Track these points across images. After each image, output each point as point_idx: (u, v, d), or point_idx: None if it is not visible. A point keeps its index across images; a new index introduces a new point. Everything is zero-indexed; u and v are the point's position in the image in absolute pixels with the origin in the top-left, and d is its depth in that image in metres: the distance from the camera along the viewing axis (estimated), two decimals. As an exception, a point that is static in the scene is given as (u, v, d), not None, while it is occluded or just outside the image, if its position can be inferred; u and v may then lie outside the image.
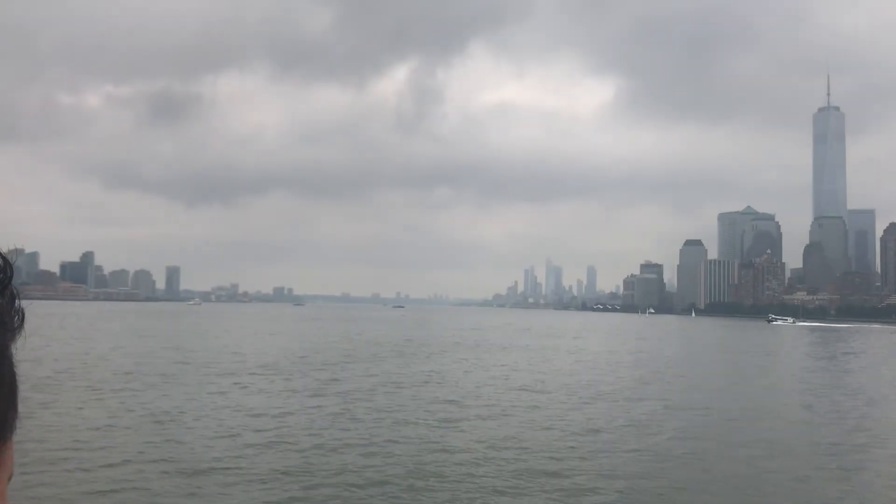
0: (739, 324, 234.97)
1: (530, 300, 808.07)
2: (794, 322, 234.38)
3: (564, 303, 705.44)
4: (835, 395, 40.80)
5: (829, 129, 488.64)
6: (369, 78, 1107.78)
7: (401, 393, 36.35)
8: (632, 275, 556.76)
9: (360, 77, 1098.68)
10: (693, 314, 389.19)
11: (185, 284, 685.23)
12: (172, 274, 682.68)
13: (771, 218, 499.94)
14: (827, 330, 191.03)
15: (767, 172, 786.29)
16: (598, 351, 72.60)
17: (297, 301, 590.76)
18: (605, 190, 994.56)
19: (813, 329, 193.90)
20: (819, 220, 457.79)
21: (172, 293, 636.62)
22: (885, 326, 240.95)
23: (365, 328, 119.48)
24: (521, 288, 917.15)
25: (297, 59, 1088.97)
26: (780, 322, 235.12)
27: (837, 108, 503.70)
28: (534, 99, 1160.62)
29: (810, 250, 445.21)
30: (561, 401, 34.74)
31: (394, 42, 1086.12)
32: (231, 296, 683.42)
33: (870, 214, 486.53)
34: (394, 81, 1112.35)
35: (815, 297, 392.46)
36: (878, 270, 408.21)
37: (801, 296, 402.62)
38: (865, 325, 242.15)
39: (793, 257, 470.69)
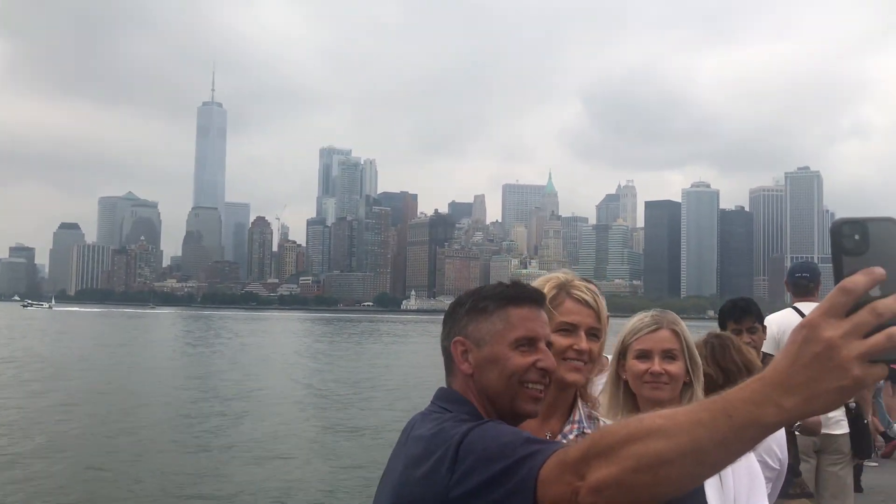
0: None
1: None
2: (50, 307, 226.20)
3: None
4: None
5: (212, 124, 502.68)
6: None
7: None
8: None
9: None
10: (53, 301, 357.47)
11: None
12: None
13: (153, 205, 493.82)
14: (132, 316, 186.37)
15: (154, 159, 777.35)
16: None
17: None
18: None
19: (173, 315, 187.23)
20: (196, 210, 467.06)
21: None
22: (237, 312, 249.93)
23: None
24: None
25: None
26: (35, 307, 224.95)
27: (220, 105, 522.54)
28: None
29: (188, 239, 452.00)
30: None
31: None
32: None
33: (245, 208, 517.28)
34: None
35: (184, 285, 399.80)
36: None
37: (171, 283, 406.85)
38: (218, 311, 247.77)
39: (174, 245, 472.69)
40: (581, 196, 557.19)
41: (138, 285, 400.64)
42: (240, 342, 68.69)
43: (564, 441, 1.98)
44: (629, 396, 2.33)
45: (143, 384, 31.19)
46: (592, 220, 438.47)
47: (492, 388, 1.62)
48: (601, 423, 2.10)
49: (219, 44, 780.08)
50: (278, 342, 70.68)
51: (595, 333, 2.04)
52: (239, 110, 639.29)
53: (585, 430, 2.02)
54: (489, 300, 1.67)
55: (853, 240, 0.93)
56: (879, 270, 0.90)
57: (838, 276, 0.92)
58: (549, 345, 1.68)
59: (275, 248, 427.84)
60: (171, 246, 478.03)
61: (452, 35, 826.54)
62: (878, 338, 0.89)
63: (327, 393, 30.29)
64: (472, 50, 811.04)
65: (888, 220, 0.94)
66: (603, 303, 2.18)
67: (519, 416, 1.63)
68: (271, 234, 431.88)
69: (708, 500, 2.12)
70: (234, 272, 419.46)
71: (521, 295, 1.68)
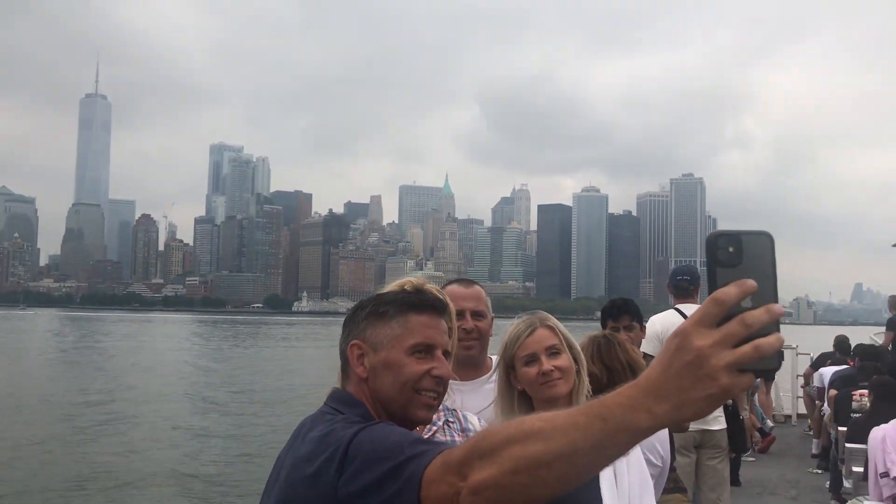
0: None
1: None
2: None
3: None
4: None
5: (95, 116, 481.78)
6: None
7: None
8: None
9: None
10: None
11: None
12: None
13: (30, 201, 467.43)
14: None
15: (32, 152, 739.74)
16: None
17: None
18: None
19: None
20: (77, 207, 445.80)
21: None
22: (118, 314, 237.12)
23: None
24: None
25: None
26: None
27: (105, 97, 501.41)
28: None
29: (68, 237, 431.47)
30: None
31: None
32: None
33: (131, 205, 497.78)
34: None
35: (62, 285, 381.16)
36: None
37: (48, 282, 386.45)
38: (97, 313, 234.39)
39: (53, 243, 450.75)
40: (477, 198, 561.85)
41: (10, 285, 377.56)
42: (116, 345, 63.97)
43: (434, 427, 2.05)
44: (524, 403, 2.37)
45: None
46: (488, 223, 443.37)
47: (385, 394, 1.62)
48: (459, 413, 2.21)
49: (104, 33, 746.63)
50: (159, 345, 66.48)
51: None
52: (125, 103, 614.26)
53: (449, 420, 2.12)
54: (390, 305, 1.67)
55: (727, 252, 0.96)
56: (751, 283, 0.93)
57: (712, 286, 0.96)
58: (447, 353, 1.70)
59: (161, 248, 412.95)
60: (49, 244, 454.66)
61: (351, 34, 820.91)
62: (746, 348, 0.93)
63: (210, 399, 28.69)
64: (370, 49, 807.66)
65: (762, 233, 0.98)
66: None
67: (411, 422, 1.63)
68: (157, 232, 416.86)
69: (603, 501, 2.19)
70: (116, 272, 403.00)
71: (423, 302, 1.69)
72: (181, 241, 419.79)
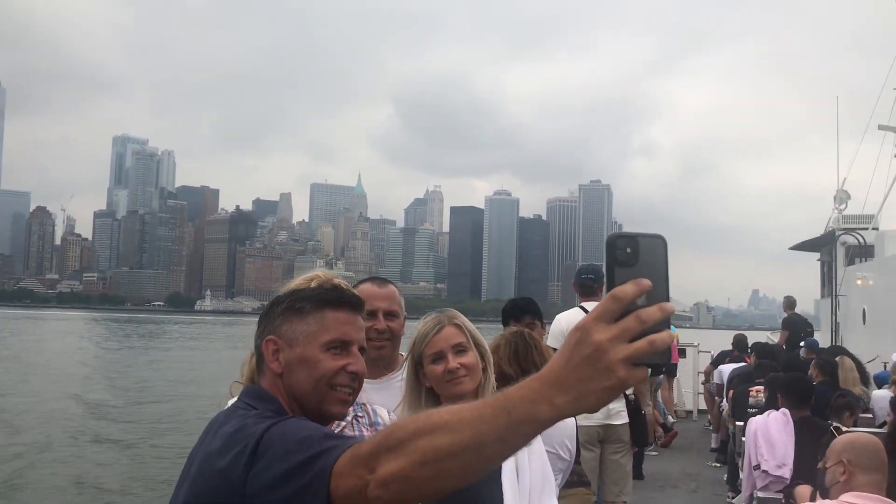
0: None
1: None
2: None
3: None
4: None
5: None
6: None
7: None
8: None
9: None
10: None
11: None
12: None
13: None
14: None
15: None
16: None
17: None
18: None
19: None
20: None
21: None
22: (7, 310, 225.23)
23: None
24: None
25: None
26: None
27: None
28: None
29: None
30: None
31: None
32: None
33: (26, 196, 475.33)
34: None
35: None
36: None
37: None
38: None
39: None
40: (390, 199, 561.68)
41: None
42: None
43: (343, 423, 2.05)
44: (431, 400, 2.41)
45: None
46: (401, 223, 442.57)
47: (300, 389, 1.63)
48: (368, 407, 2.25)
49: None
50: (48, 344, 61.91)
51: None
52: (21, 89, 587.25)
53: (358, 415, 2.15)
54: (306, 301, 1.68)
55: (625, 252, 1.03)
56: (646, 282, 1.00)
57: (610, 284, 1.03)
58: (363, 350, 1.71)
59: (57, 242, 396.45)
60: None
61: (264, 28, 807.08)
62: (641, 343, 0.99)
63: (101, 403, 26.78)
64: (284, 45, 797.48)
65: (656, 236, 1.06)
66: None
67: (326, 418, 1.64)
68: (53, 226, 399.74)
69: (504, 495, 2.22)
70: (7, 266, 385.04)
71: (340, 298, 1.70)
72: (79, 235, 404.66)
